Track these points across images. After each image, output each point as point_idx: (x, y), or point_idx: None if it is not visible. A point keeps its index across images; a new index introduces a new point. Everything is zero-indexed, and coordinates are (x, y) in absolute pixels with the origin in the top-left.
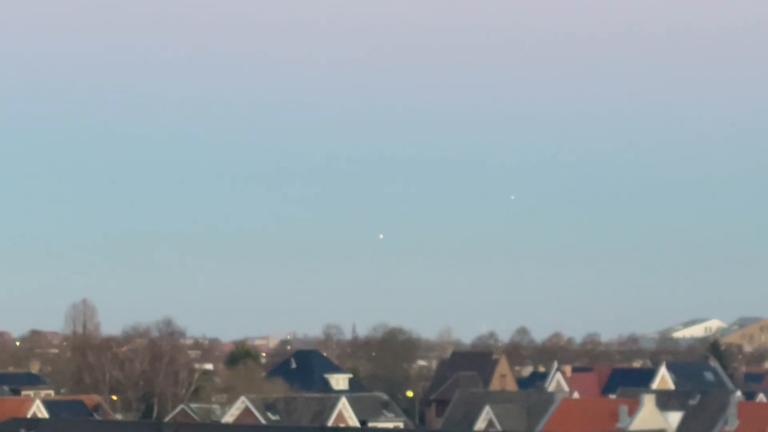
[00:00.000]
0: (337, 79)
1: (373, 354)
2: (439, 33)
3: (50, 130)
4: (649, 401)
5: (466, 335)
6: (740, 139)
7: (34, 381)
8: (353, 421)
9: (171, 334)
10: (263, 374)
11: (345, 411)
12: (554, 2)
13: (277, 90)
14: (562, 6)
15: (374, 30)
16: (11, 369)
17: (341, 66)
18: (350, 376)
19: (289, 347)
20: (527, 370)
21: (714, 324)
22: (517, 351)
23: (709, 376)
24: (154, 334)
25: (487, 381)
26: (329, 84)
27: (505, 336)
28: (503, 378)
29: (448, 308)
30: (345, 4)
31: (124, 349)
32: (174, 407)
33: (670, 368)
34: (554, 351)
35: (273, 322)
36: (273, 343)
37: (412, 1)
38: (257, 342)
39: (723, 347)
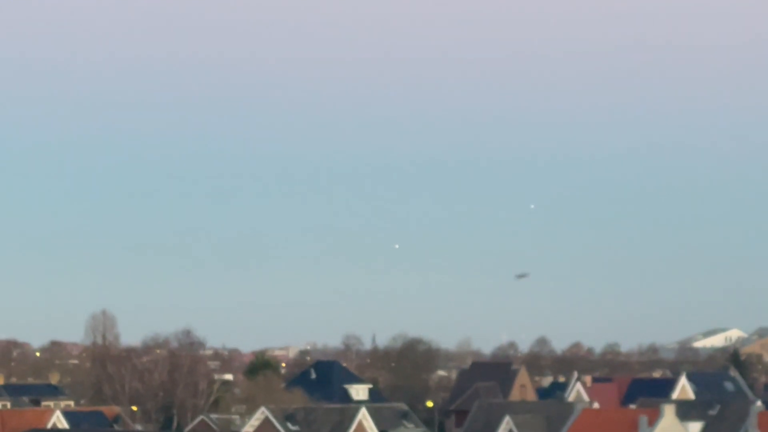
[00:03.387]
0: (357, 83)
1: (393, 364)
2: (458, 38)
3: (71, 142)
4: (669, 411)
5: (486, 345)
6: (760, 145)
7: (54, 392)
8: None
9: (190, 344)
10: (283, 385)
11: (365, 421)
12: (568, 11)
13: (294, 91)
14: (575, 16)
15: (386, 32)
16: (31, 380)
17: (355, 68)
18: (370, 386)
19: (308, 358)
20: (547, 381)
21: (734, 334)
22: (536, 361)
23: (729, 386)
24: (174, 344)
25: (506, 391)
26: (349, 89)
27: (524, 346)
28: (523, 388)
29: (467, 318)
30: (354, 4)
31: (144, 359)
32: (193, 418)
33: (690, 378)
34: (574, 361)
35: (292, 332)
36: (292, 353)
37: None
38: (277, 352)
39: (743, 357)
